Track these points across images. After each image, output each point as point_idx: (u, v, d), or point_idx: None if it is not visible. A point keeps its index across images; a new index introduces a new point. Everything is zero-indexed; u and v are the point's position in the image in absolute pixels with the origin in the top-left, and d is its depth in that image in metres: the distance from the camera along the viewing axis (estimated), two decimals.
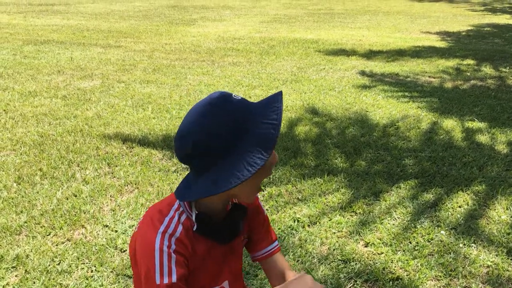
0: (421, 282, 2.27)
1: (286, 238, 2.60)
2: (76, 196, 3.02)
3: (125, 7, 14.60)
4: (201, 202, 1.20)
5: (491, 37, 9.59)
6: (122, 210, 2.86)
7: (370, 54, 7.67)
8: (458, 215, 2.84)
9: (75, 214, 2.81)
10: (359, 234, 2.65)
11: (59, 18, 11.66)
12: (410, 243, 2.57)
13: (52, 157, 3.57)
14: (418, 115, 4.60)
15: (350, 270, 2.35)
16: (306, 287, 1.09)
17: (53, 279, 2.26)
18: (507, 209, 2.92)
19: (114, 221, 2.74)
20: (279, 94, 1.14)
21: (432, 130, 4.22)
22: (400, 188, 3.16)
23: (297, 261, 2.41)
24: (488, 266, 2.39)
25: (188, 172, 1.22)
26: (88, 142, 3.86)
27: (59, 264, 2.37)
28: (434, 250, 2.51)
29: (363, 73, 6.40)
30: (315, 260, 2.42)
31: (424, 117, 4.55)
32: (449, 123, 4.38)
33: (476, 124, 4.36)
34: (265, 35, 9.52)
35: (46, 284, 2.23)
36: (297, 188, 3.15)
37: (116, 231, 2.65)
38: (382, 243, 2.56)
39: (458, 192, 3.11)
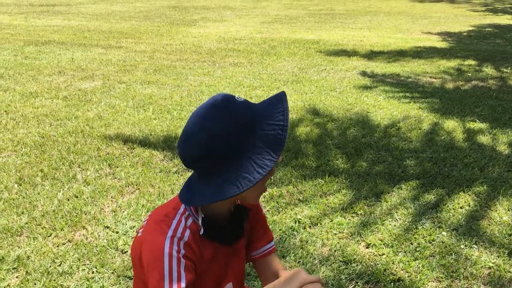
0: (423, 284, 2.27)
1: (287, 239, 2.59)
2: (77, 197, 3.02)
3: (126, 7, 14.60)
4: (208, 206, 1.19)
5: (492, 38, 9.58)
6: (123, 211, 2.86)
7: (371, 55, 7.66)
8: (460, 216, 2.83)
9: (76, 215, 2.81)
10: (360, 235, 2.64)
11: (60, 19, 11.66)
12: (412, 244, 2.57)
13: (53, 158, 3.57)
14: (419, 115, 4.60)
15: (351, 272, 2.34)
16: (300, 279, 1.08)
17: (54, 280, 2.26)
18: (508, 210, 2.92)
19: (115, 222, 2.74)
20: (283, 94, 1.13)
21: (433, 131, 4.21)
22: (401, 189, 3.15)
23: (298, 262, 2.41)
24: (489, 268, 2.39)
25: (191, 174, 1.21)
26: (89, 143, 3.86)
27: (60, 265, 2.37)
28: (435, 251, 2.51)
29: (364, 73, 6.39)
30: (316, 261, 2.41)
31: (425, 117, 4.54)
32: (450, 124, 4.37)
33: (478, 125, 4.35)
34: (266, 35, 9.52)
35: (47, 285, 2.22)
36: (298, 189, 3.15)
37: (117, 232, 2.65)
38: (383, 244, 2.56)
39: (460, 193, 3.10)
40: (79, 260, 2.40)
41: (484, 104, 5.01)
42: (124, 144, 3.84)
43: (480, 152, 3.76)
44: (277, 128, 1.09)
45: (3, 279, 2.27)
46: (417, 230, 2.69)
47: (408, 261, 2.42)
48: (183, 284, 1.10)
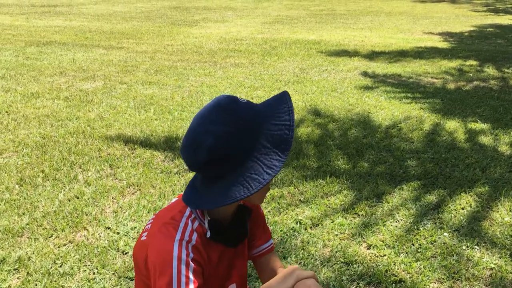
0: (424, 285, 2.26)
1: (288, 240, 2.59)
2: (78, 198, 3.02)
3: (127, 8, 14.61)
4: (214, 209, 1.18)
5: (494, 38, 9.57)
6: (124, 212, 2.86)
7: (373, 55, 7.66)
8: (461, 217, 2.83)
9: (77, 216, 2.81)
10: (362, 236, 2.64)
11: (61, 20, 11.67)
12: (413, 245, 2.56)
13: (54, 159, 3.57)
14: (421, 116, 4.59)
15: (352, 273, 2.34)
16: (295, 276, 1.08)
17: (55, 281, 2.26)
18: (510, 211, 2.91)
19: (116, 223, 2.74)
20: (286, 94, 1.12)
21: (435, 131, 4.21)
22: (402, 190, 3.14)
23: (299, 263, 2.41)
24: (491, 269, 2.38)
25: (194, 175, 1.20)
26: (90, 144, 3.86)
27: (61, 266, 2.36)
28: (437, 252, 2.50)
29: (365, 74, 6.39)
30: (318, 262, 2.41)
31: (427, 118, 4.54)
32: (452, 124, 4.36)
33: (479, 125, 4.34)
34: (267, 36, 9.52)
35: (48, 286, 2.22)
36: (299, 190, 3.14)
37: (118, 233, 2.65)
38: (385, 245, 2.55)
39: (461, 194, 3.09)
40: (80, 261, 2.40)
41: (486, 104, 5.00)
42: (125, 145, 3.84)
43: (482, 152, 3.76)
44: (283, 128, 1.08)
45: (4, 280, 2.27)
46: (419, 231, 2.68)
47: (409, 262, 2.41)
48: None
